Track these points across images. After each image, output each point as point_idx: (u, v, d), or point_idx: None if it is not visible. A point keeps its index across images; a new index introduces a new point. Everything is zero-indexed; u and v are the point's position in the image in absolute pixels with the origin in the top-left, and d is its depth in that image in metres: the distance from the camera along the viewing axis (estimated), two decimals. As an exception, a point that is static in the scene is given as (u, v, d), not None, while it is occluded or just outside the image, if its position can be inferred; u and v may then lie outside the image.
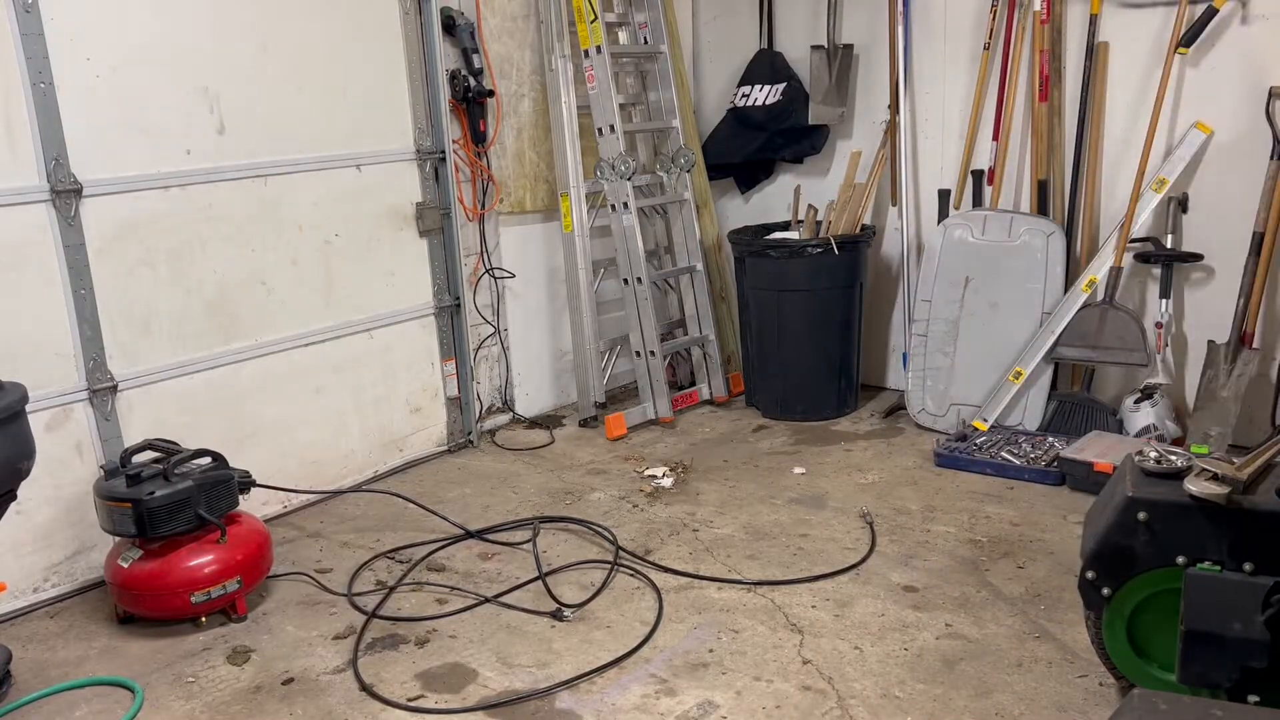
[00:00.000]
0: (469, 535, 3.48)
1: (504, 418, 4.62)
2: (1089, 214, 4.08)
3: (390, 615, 3.01)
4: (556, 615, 2.94)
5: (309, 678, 2.72)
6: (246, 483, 3.16)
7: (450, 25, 4.11)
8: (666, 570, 3.18)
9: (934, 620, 2.84)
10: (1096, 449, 3.67)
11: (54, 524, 3.16)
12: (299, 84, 3.65)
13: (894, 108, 4.47)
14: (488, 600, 3.05)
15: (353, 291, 3.91)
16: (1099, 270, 3.95)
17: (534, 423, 4.63)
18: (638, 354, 4.55)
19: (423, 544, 3.45)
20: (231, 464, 3.11)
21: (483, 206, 4.38)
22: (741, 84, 4.85)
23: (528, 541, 3.41)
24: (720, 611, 2.94)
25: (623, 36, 4.68)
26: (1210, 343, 3.81)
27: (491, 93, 4.25)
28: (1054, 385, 4.13)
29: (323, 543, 3.54)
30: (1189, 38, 3.69)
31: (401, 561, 3.35)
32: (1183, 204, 3.89)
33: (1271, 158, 3.63)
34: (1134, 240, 3.91)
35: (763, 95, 4.77)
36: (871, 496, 3.66)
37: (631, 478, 3.95)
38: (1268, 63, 3.66)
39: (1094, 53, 3.96)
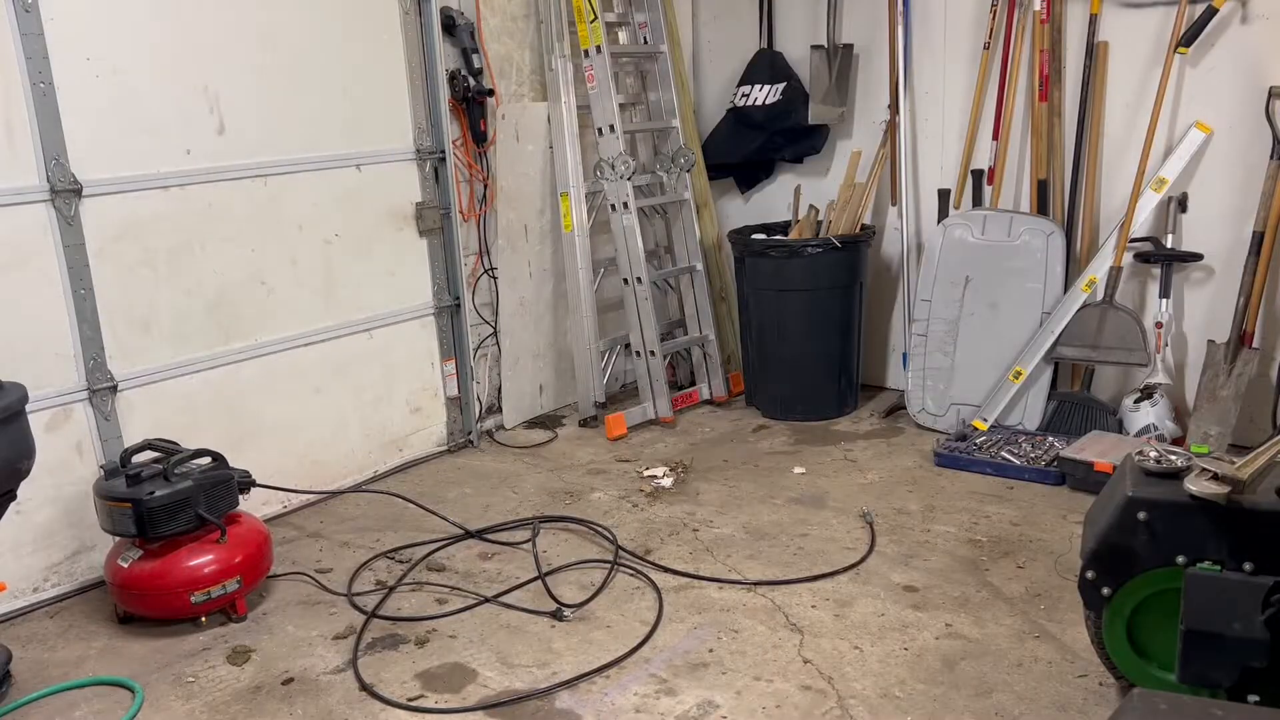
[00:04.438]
0: (469, 535, 3.48)
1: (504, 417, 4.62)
2: (1089, 214, 4.08)
3: (390, 615, 3.01)
4: (556, 615, 2.94)
5: (309, 678, 2.72)
6: (246, 483, 3.16)
7: (450, 25, 4.11)
8: (666, 570, 3.18)
9: (934, 620, 2.84)
10: (1096, 449, 3.67)
11: (54, 524, 3.16)
12: (299, 84, 3.65)
13: (894, 107, 4.47)
14: (487, 600, 3.05)
15: (353, 291, 3.91)
16: (1099, 270, 3.95)
17: (534, 422, 4.62)
18: (638, 354, 4.55)
19: (422, 544, 3.44)
20: (231, 464, 3.11)
21: (482, 206, 4.38)
22: (741, 84, 4.85)
23: (527, 541, 3.41)
24: (720, 611, 2.94)
25: (623, 36, 4.68)
26: (1210, 342, 3.81)
27: (491, 92, 4.24)
28: (1054, 385, 4.13)
29: (323, 543, 3.54)
30: (1189, 37, 3.69)
31: (401, 561, 3.35)
32: (1182, 204, 3.89)
33: (1271, 157, 3.63)
34: (1134, 240, 3.92)
35: (763, 95, 4.76)
36: (871, 496, 3.66)
37: (631, 477, 3.95)
38: (1268, 63, 3.66)
39: (1094, 52, 3.96)
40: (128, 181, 3.24)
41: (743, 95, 4.83)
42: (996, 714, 2.43)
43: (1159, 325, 3.88)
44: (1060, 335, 3.99)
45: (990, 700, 2.48)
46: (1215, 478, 2.12)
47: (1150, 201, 3.88)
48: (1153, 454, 2.27)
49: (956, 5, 4.30)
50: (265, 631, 2.97)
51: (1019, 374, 4.06)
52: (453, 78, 4.12)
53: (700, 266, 4.76)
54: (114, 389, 3.26)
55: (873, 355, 4.79)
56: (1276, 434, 3.50)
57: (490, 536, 3.48)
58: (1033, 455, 3.80)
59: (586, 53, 4.37)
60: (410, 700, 2.59)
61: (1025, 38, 4.11)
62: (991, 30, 4.17)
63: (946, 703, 2.47)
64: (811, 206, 4.67)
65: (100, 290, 3.19)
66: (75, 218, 3.12)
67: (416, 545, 3.44)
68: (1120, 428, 3.92)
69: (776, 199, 4.99)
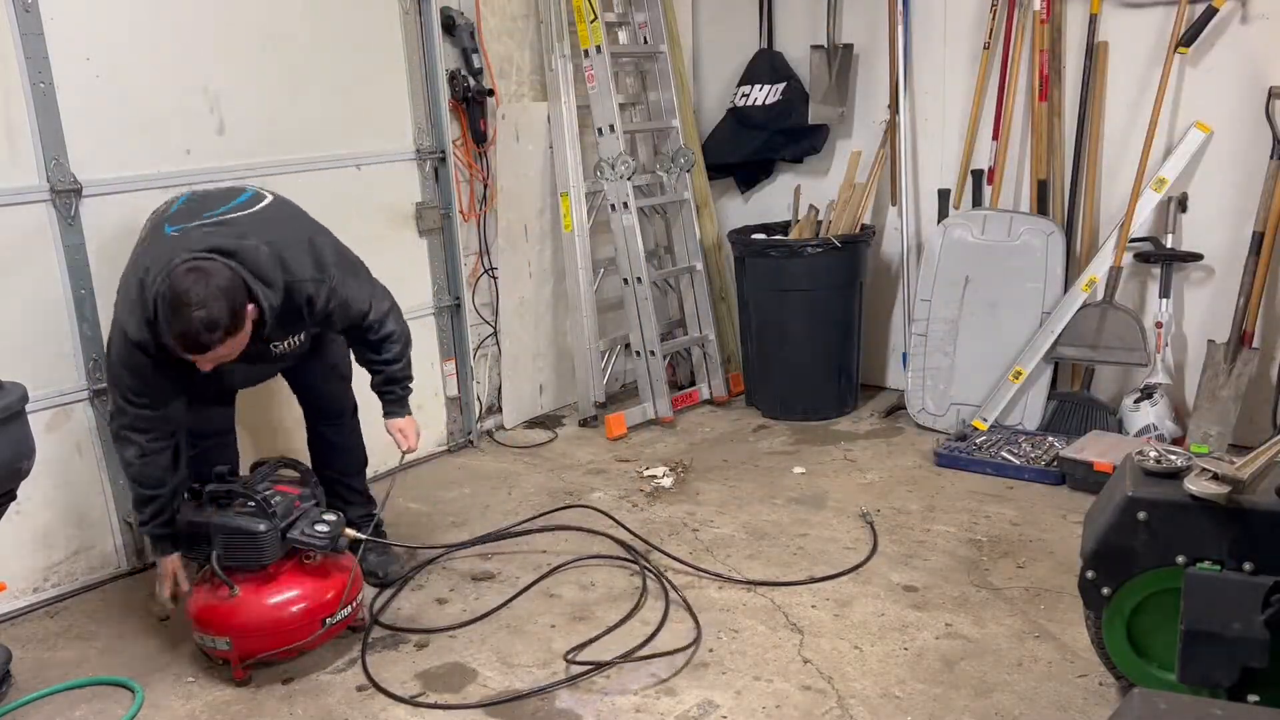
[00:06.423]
0: (475, 542, 3.48)
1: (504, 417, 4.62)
2: (1089, 213, 4.08)
3: (390, 618, 3.01)
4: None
5: (309, 677, 2.72)
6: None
7: (450, 25, 4.10)
8: (666, 570, 3.18)
9: (934, 620, 2.84)
10: (1096, 449, 3.67)
11: (54, 524, 3.16)
12: (299, 84, 3.65)
13: (894, 107, 4.47)
14: (506, 604, 3.04)
15: (353, 291, 3.90)
16: (1099, 270, 3.95)
17: (534, 422, 4.62)
18: (638, 354, 4.55)
19: (424, 545, 3.44)
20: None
21: (482, 206, 4.38)
22: (741, 84, 4.85)
23: (527, 548, 3.40)
24: (720, 611, 2.93)
25: (623, 36, 4.68)
26: (1210, 342, 3.81)
27: (491, 92, 4.24)
28: (1054, 385, 4.13)
29: (323, 543, 3.53)
30: (1189, 37, 3.69)
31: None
32: (1182, 204, 3.89)
33: (1271, 157, 3.63)
34: (1134, 240, 3.91)
35: (763, 95, 4.76)
36: (871, 496, 3.66)
37: (631, 477, 3.95)
38: (1268, 63, 3.65)
39: (1094, 52, 3.96)
40: (128, 181, 3.23)
41: (743, 95, 4.83)
42: (996, 714, 2.43)
43: (1159, 325, 3.88)
44: (1060, 335, 3.99)
45: (990, 700, 2.48)
46: (1215, 478, 2.12)
47: (1150, 201, 3.87)
48: (1153, 454, 2.27)
49: (956, 5, 4.30)
50: (265, 631, 2.96)
51: (1019, 374, 4.06)
52: (453, 78, 4.11)
53: (700, 266, 4.76)
54: (114, 389, 3.25)
55: (873, 355, 4.79)
56: (1276, 434, 3.50)
57: (493, 537, 3.48)
58: (1033, 455, 3.80)
59: (586, 53, 4.37)
60: (411, 698, 2.59)
61: (1025, 38, 4.11)
62: (991, 30, 4.17)
63: (946, 703, 2.47)
64: (811, 206, 4.67)
65: (100, 290, 3.19)
66: (75, 218, 3.11)
67: (417, 546, 3.43)
68: (1120, 428, 3.92)
69: (776, 199, 4.99)
